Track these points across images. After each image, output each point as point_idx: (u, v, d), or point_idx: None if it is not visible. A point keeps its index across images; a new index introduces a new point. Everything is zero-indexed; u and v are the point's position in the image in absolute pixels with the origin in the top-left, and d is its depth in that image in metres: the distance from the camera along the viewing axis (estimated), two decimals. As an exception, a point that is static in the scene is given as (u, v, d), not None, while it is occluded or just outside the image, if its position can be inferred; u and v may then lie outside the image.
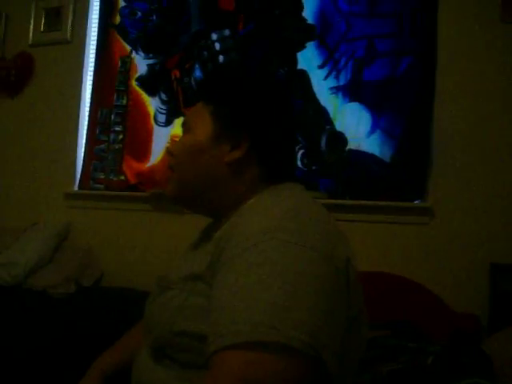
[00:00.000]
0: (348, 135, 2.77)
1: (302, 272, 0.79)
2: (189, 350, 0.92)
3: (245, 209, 0.99)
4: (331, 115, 2.80)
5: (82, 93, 3.42)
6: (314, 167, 2.82)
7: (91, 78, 3.42)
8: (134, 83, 3.28)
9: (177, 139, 1.17)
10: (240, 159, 1.04)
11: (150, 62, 3.25)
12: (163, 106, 3.19)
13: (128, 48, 3.31)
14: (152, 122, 3.21)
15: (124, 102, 3.29)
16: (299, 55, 2.90)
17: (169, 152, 1.14)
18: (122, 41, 3.33)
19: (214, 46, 3.08)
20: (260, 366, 0.69)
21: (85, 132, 3.39)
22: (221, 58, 3.06)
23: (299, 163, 2.80)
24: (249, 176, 1.05)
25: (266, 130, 1.07)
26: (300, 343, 0.71)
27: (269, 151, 1.06)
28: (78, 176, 3.36)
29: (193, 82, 3.12)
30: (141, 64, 3.28)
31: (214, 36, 3.08)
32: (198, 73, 3.11)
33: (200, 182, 1.07)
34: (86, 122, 3.40)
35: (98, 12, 3.44)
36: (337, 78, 2.82)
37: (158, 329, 0.97)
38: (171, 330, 0.94)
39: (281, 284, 0.76)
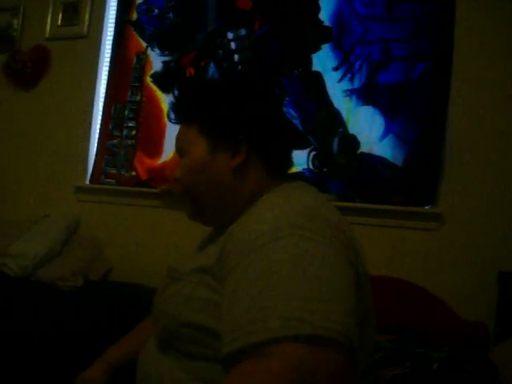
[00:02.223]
0: (360, 138, 2.76)
1: (323, 265, 0.80)
2: (194, 341, 0.93)
3: (256, 206, 0.99)
4: (344, 118, 2.80)
5: (97, 87, 3.43)
6: (325, 169, 2.82)
7: (106, 73, 3.43)
8: (148, 79, 3.29)
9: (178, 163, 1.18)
10: (243, 162, 1.06)
11: (166, 58, 3.26)
12: (177, 104, 3.19)
13: (144, 44, 3.32)
14: (165, 118, 3.21)
15: (138, 98, 3.30)
16: (314, 57, 2.90)
17: (176, 180, 1.14)
18: (138, 37, 3.34)
19: (229, 45, 3.08)
20: (310, 356, 0.69)
21: (98, 127, 3.40)
22: (236, 57, 3.07)
23: (310, 165, 2.80)
24: (255, 176, 1.07)
25: (258, 126, 1.08)
26: (337, 334, 0.71)
27: (268, 145, 1.09)
28: (90, 170, 3.38)
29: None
30: (156, 61, 3.28)
31: (230, 35, 3.08)
32: (212, 71, 3.11)
33: (213, 195, 1.09)
34: (99, 117, 3.42)
35: (115, 8, 3.46)
36: (351, 80, 2.81)
37: (166, 319, 0.98)
38: (178, 320, 0.95)
39: (307, 278, 0.77)
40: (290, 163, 1.16)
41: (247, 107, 1.09)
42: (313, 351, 0.69)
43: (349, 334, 0.73)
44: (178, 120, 1.17)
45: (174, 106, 1.21)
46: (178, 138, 1.16)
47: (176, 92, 1.22)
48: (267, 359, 0.69)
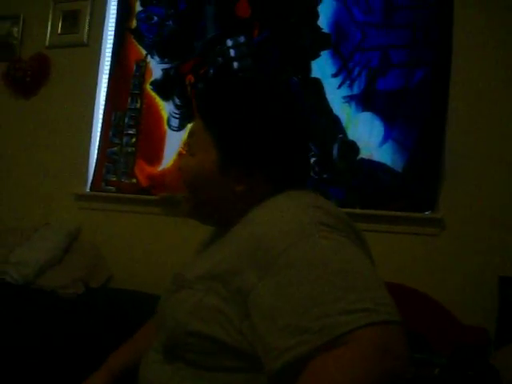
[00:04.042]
0: (360, 144, 2.77)
1: (358, 256, 0.86)
2: (201, 350, 0.92)
3: (263, 206, 0.98)
4: (344, 124, 2.80)
5: (97, 95, 3.44)
6: (325, 175, 2.82)
7: (106, 80, 3.44)
8: (148, 87, 3.30)
9: (184, 153, 1.11)
10: (251, 187, 1.01)
11: (165, 66, 3.27)
12: (177, 111, 3.20)
13: (143, 52, 3.33)
14: (165, 126, 3.22)
15: (138, 105, 3.31)
16: (313, 63, 2.91)
17: (179, 168, 1.10)
18: (137, 45, 3.35)
19: (228, 53, 3.09)
20: (385, 337, 0.75)
21: (98, 134, 3.41)
22: (235, 64, 3.08)
23: (310, 171, 2.81)
24: (260, 191, 1.01)
25: (278, 151, 1.01)
26: (396, 315, 0.78)
27: (282, 170, 1.03)
28: (90, 178, 3.38)
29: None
30: (156, 68, 3.29)
31: (229, 42, 3.09)
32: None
33: (211, 203, 1.06)
34: (99, 125, 3.42)
35: (114, 16, 3.47)
36: (350, 87, 2.82)
37: (172, 327, 0.97)
38: (185, 329, 0.93)
39: (351, 269, 0.82)
40: (302, 182, 1.09)
41: (272, 129, 1.01)
42: (384, 333, 0.75)
43: (399, 313, 0.79)
44: (198, 110, 1.07)
45: (202, 97, 1.11)
46: (191, 134, 1.09)
47: (215, 86, 1.14)
48: (347, 347, 0.74)
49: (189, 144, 1.08)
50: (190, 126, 3.13)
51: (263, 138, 1.00)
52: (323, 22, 2.92)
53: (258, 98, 1.04)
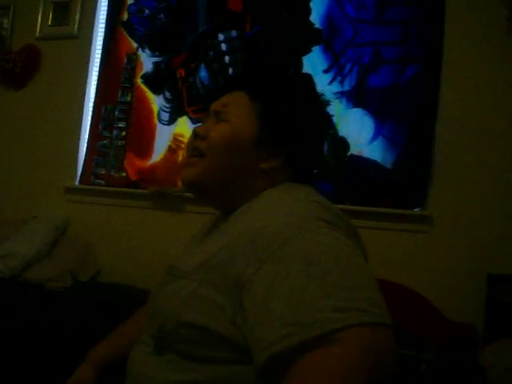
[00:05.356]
0: (350, 141, 2.77)
1: (354, 254, 0.87)
2: (193, 341, 0.91)
3: (262, 197, 1.02)
4: (334, 120, 2.80)
5: (87, 88, 3.42)
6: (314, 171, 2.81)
7: (97, 73, 3.42)
8: (139, 80, 3.29)
9: (203, 126, 1.13)
10: (274, 167, 1.06)
11: (156, 60, 3.26)
12: (167, 105, 3.19)
13: (134, 45, 3.32)
14: (155, 119, 3.21)
15: (128, 98, 3.29)
16: (305, 59, 2.91)
17: (197, 134, 1.10)
18: (128, 38, 3.34)
19: (220, 47, 3.08)
20: (374, 339, 0.75)
21: (88, 127, 3.39)
22: (227, 58, 3.07)
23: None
24: (277, 178, 1.06)
25: (306, 141, 1.10)
26: (388, 318, 0.79)
27: (302, 161, 1.10)
28: (80, 171, 3.37)
29: (198, 82, 3.12)
30: (146, 62, 3.28)
31: (221, 36, 3.09)
32: (203, 73, 3.11)
33: (228, 173, 1.06)
34: (89, 117, 3.40)
35: (106, 8, 3.45)
36: (341, 83, 2.82)
37: (164, 318, 0.96)
38: (177, 319, 0.92)
39: (347, 266, 0.82)
40: (312, 175, 1.18)
41: (311, 119, 1.11)
42: (375, 335, 0.75)
43: (390, 317, 0.79)
44: (243, 86, 1.12)
45: (255, 74, 1.21)
46: (227, 101, 1.11)
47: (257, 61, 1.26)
48: (336, 346, 0.73)
49: (221, 112, 1.09)
50: (180, 119, 3.13)
51: (300, 124, 1.08)
52: (315, 17, 2.92)
53: (304, 89, 1.19)
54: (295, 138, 1.07)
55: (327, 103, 1.18)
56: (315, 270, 0.80)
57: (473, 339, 2.26)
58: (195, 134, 1.11)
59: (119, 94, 3.30)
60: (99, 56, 3.43)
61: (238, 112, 1.08)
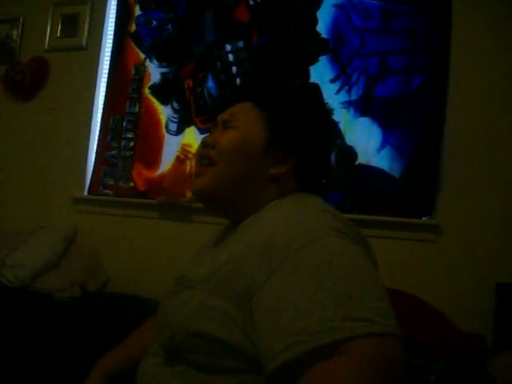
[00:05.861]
0: (358, 150, 2.77)
1: (364, 263, 0.86)
2: (203, 351, 0.91)
3: (268, 211, 1.02)
4: (342, 129, 2.80)
5: (95, 99, 3.44)
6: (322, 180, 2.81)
7: (105, 84, 3.44)
8: (146, 91, 3.30)
9: (208, 137, 1.14)
10: (283, 173, 1.07)
11: (164, 70, 3.27)
12: (175, 115, 3.20)
13: (142, 56, 3.34)
14: (163, 130, 3.22)
15: (136, 109, 3.30)
16: (312, 69, 2.91)
17: (206, 144, 1.11)
18: (136, 49, 3.36)
19: (227, 57, 3.09)
20: (383, 350, 0.75)
21: (96, 138, 3.41)
22: (234, 69, 3.08)
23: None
24: (285, 187, 1.08)
25: (313, 149, 1.12)
26: (397, 329, 0.78)
27: (311, 168, 1.11)
28: (88, 181, 3.38)
29: (205, 92, 3.13)
30: (154, 72, 3.30)
31: (228, 47, 3.10)
32: (210, 83, 3.13)
33: (239, 180, 1.07)
34: (97, 128, 3.42)
35: (113, 20, 3.48)
36: (348, 92, 2.82)
37: (174, 327, 0.96)
38: (188, 329, 0.92)
39: (356, 276, 0.82)
40: (320, 186, 1.19)
41: (316, 127, 1.13)
42: (383, 345, 0.75)
43: (399, 327, 0.79)
44: (250, 97, 1.14)
45: (261, 85, 1.24)
46: (236, 110, 1.13)
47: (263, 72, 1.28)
48: (344, 356, 0.73)
49: (231, 119, 1.11)
50: (188, 130, 3.14)
51: (307, 132, 1.11)
52: (322, 27, 2.92)
53: (312, 99, 1.24)
54: (303, 145, 1.09)
55: (331, 112, 1.20)
56: (326, 278, 0.80)
57: (482, 349, 2.24)
58: (204, 144, 1.12)
59: (127, 104, 3.32)
60: (107, 67, 3.44)
61: (245, 119, 1.09)
